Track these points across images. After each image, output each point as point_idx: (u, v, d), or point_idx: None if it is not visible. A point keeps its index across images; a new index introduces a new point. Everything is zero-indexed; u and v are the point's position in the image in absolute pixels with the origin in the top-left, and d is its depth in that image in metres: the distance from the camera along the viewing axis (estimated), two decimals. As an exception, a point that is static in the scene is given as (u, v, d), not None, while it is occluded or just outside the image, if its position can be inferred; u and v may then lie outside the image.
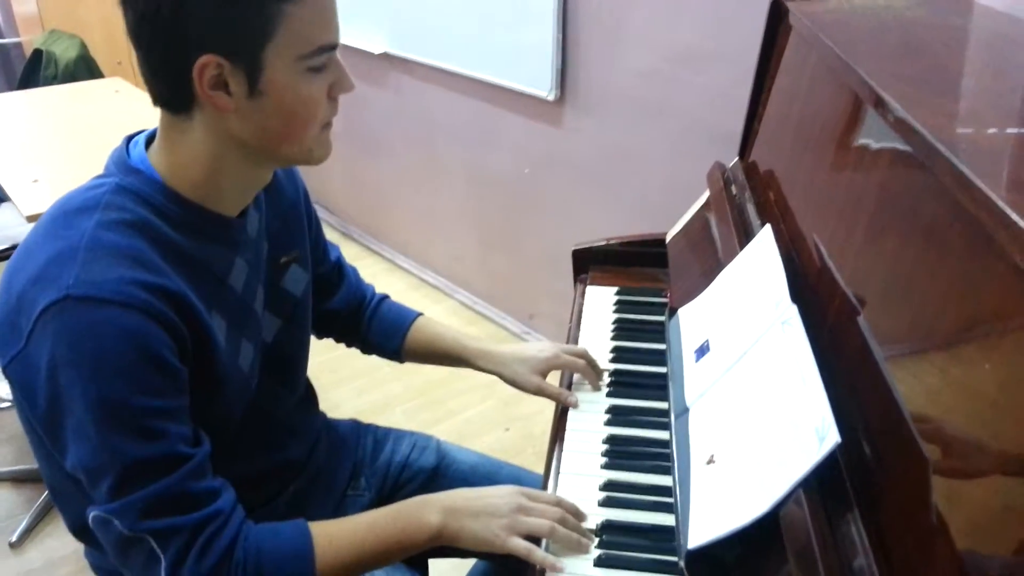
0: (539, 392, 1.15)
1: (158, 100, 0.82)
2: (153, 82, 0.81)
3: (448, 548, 1.22)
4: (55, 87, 2.86)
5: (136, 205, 0.82)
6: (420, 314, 1.26)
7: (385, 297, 1.28)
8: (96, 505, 0.79)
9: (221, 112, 0.80)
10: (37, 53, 3.06)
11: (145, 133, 0.89)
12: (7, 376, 0.80)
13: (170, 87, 0.80)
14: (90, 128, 2.38)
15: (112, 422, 0.75)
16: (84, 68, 2.99)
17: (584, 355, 1.19)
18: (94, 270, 0.75)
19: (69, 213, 0.81)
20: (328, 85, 0.84)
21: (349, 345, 1.28)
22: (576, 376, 1.21)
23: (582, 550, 0.91)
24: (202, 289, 0.84)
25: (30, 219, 1.86)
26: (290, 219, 1.04)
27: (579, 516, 0.95)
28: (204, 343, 0.84)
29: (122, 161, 0.85)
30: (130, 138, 0.89)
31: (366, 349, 1.27)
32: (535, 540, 0.91)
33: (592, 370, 1.18)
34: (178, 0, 0.74)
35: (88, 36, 3.16)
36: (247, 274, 0.93)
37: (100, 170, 0.88)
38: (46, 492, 2.07)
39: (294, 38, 0.78)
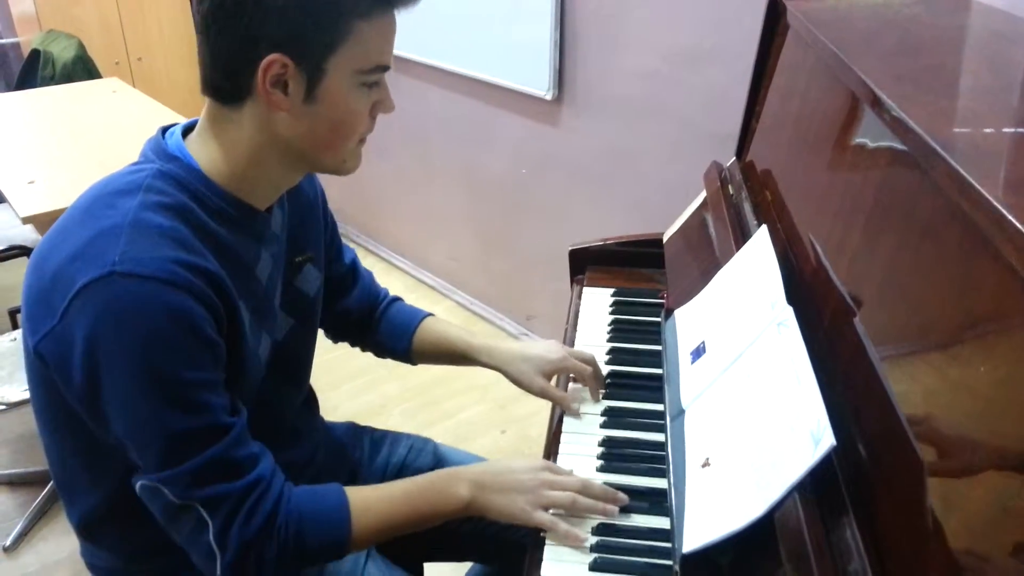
0: (542, 394, 1.14)
1: (210, 88, 0.84)
2: (212, 69, 0.82)
3: (445, 550, 1.23)
4: (52, 87, 2.86)
5: (176, 190, 0.84)
6: (429, 314, 1.26)
7: (397, 299, 1.28)
8: (144, 474, 0.82)
9: (274, 109, 0.82)
10: (35, 53, 3.06)
11: (181, 124, 0.91)
12: (38, 353, 0.81)
13: (229, 77, 0.82)
14: (88, 129, 2.38)
15: (159, 395, 0.78)
16: (82, 68, 2.99)
17: (592, 362, 1.17)
18: (139, 248, 0.77)
19: (110, 195, 0.82)
20: (372, 103, 0.88)
21: (364, 349, 1.28)
22: (571, 385, 1.19)
23: (608, 515, 0.95)
24: (234, 277, 0.86)
25: (26, 220, 1.85)
26: (307, 220, 1.05)
27: (608, 492, 0.97)
28: (235, 326, 0.86)
29: (160, 149, 0.87)
30: (165, 129, 0.91)
31: (378, 352, 1.27)
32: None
33: (594, 379, 1.16)
34: None
35: (86, 36, 3.15)
36: (271, 268, 0.95)
37: (97, 171, 0.89)
38: (41, 496, 2.06)
39: (358, 53, 0.82)
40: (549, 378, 1.15)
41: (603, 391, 1.18)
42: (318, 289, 1.08)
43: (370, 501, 0.92)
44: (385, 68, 0.86)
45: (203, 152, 0.87)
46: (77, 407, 0.82)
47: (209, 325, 0.80)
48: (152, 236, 0.79)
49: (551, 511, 0.93)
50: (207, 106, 0.86)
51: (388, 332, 1.24)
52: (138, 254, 0.77)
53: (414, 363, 1.25)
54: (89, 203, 0.83)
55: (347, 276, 1.22)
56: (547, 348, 1.16)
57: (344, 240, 1.21)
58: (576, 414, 1.13)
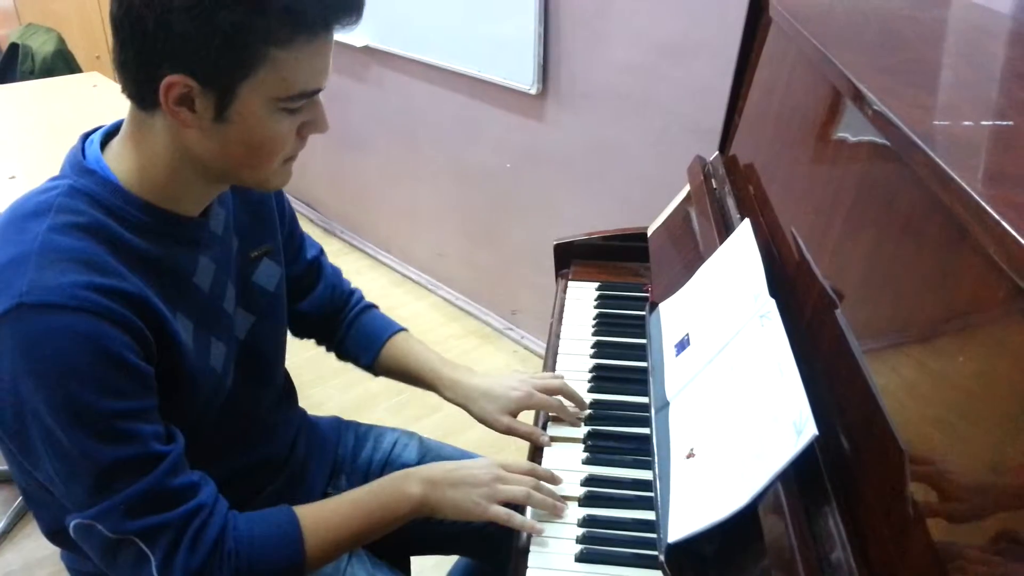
0: (509, 432, 1.10)
1: (124, 90, 0.80)
2: (121, 75, 0.78)
3: (430, 544, 1.23)
4: (32, 82, 2.83)
5: (90, 207, 0.79)
6: (401, 329, 1.22)
7: (370, 306, 1.25)
8: (76, 512, 0.78)
9: (181, 127, 0.78)
10: (13, 47, 3.02)
11: (100, 131, 0.87)
12: None
13: (136, 87, 0.78)
14: (68, 123, 2.35)
15: (82, 428, 0.74)
16: (62, 62, 2.96)
17: (561, 389, 1.12)
18: (47, 276, 0.73)
19: (20, 218, 0.78)
20: (300, 123, 0.82)
21: (328, 349, 1.25)
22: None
23: (557, 513, 0.95)
24: (164, 290, 0.83)
25: (6, 216, 1.84)
26: (261, 213, 1.02)
27: (554, 481, 0.99)
28: (168, 344, 0.82)
29: (76, 162, 0.83)
30: (86, 136, 0.86)
31: (340, 356, 1.24)
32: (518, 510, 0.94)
33: (566, 409, 1.12)
34: (165, 12, 0.71)
35: (65, 30, 3.12)
36: (214, 272, 0.92)
37: None
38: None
39: (274, 80, 0.76)
40: (515, 415, 1.11)
41: (585, 412, 1.14)
42: (279, 282, 1.04)
43: (321, 515, 0.89)
44: (311, 94, 0.79)
45: (123, 162, 0.82)
46: (10, 445, 0.80)
47: (130, 350, 0.76)
48: (61, 261, 0.74)
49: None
50: (128, 108, 0.82)
51: (355, 340, 1.21)
52: (45, 282, 0.73)
53: (376, 375, 1.22)
54: (2, 228, 0.79)
55: (308, 275, 1.18)
56: (510, 385, 1.12)
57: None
58: (547, 444, 1.09)
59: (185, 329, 0.86)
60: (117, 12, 0.74)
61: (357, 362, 1.22)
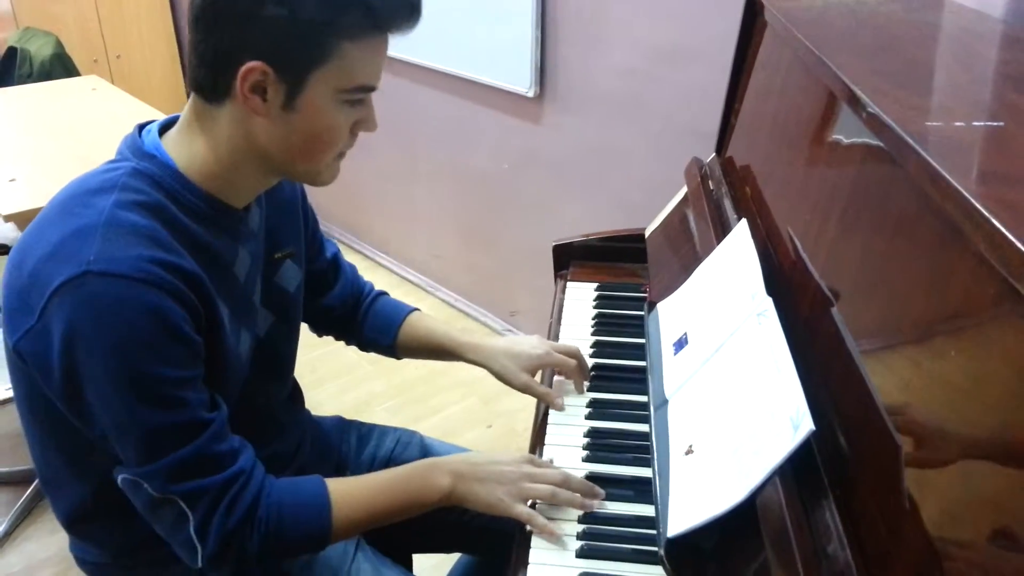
0: (526, 389, 1.15)
1: (194, 83, 0.84)
2: (197, 67, 0.82)
3: (432, 542, 1.24)
4: (30, 85, 2.83)
5: (152, 188, 0.84)
6: (415, 309, 1.27)
7: (382, 293, 1.29)
8: (125, 468, 0.83)
9: (251, 114, 0.82)
10: (11, 51, 3.02)
11: (158, 122, 0.91)
12: (17, 352, 0.81)
13: (211, 76, 0.82)
14: (67, 127, 2.36)
15: (136, 393, 0.78)
16: (60, 66, 2.96)
17: (576, 355, 1.18)
18: (114, 247, 0.77)
19: (86, 193, 0.82)
20: (354, 120, 0.87)
21: (348, 342, 1.28)
22: (556, 378, 1.20)
23: (587, 509, 0.96)
24: (211, 275, 0.86)
25: (7, 219, 1.84)
26: (286, 216, 1.06)
27: (587, 486, 0.98)
28: (213, 324, 0.86)
29: (136, 147, 0.87)
30: (142, 126, 0.90)
31: (362, 345, 1.27)
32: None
33: (578, 372, 1.17)
34: (255, 3, 0.76)
35: (64, 34, 3.12)
36: (249, 265, 0.96)
37: (77, 169, 0.89)
38: (26, 495, 2.05)
39: (342, 71, 0.81)
40: (533, 373, 1.16)
41: (587, 383, 1.19)
42: (298, 285, 1.08)
43: (351, 491, 0.93)
44: (370, 89, 0.86)
45: (181, 150, 0.87)
46: (59, 404, 0.83)
47: (186, 323, 0.81)
48: (127, 234, 0.79)
49: (533, 504, 0.95)
50: (191, 100, 0.86)
51: (373, 327, 1.24)
52: (113, 253, 0.77)
53: (399, 357, 1.26)
54: (64, 201, 0.83)
55: (329, 271, 1.22)
56: (531, 344, 1.17)
57: (327, 237, 1.22)
58: (560, 408, 1.14)
59: (224, 313, 0.89)
60: (202, 5, 0.79)
61: (377, 346, 1.26)
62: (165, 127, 0.90)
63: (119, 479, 0.84)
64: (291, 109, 0.82)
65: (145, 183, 0.84)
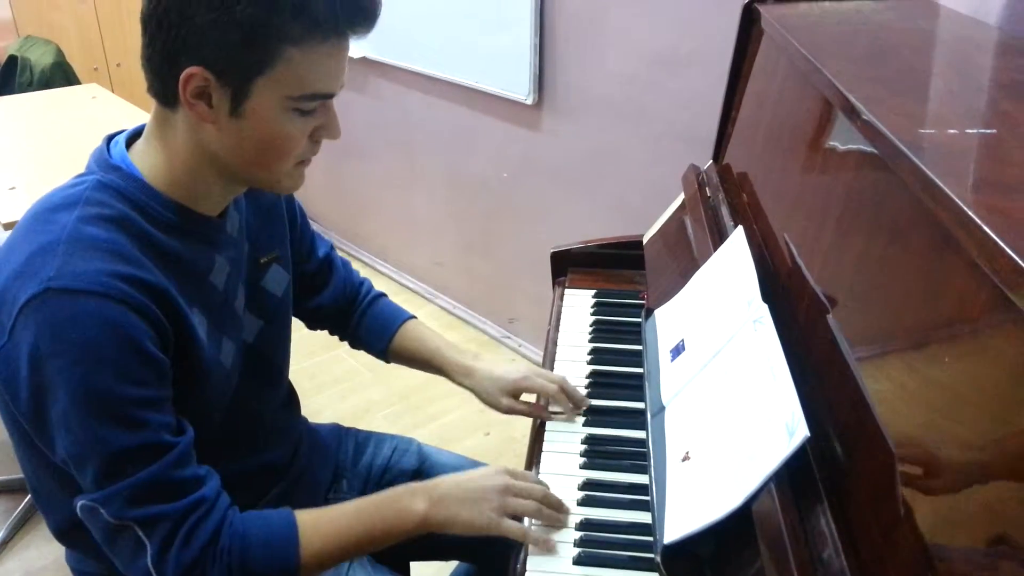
0: (510, 410, 1.15)
1: (149, 90, 0.83)
2: (147, 71, 0.82)
3: (430, 550, 1.24)
4: (31, 94, 2.84)
5: (116, 201, 0.82)
6: (412, 317, 1.26)
7: (381, 295, 1.29)
8: (83, 494, 0.81)
9: (200, 120, 0.81)
10: (12, 59, 3.03)
11: (126, 132, 0.90)
12: None
13: (160, 81, 0.81)
14: (67, 135, 2.36)
15: (95, 411, 0.76)
16: (60, 74, 2.97)
17: (560, 383, 1.15)
18: (74, 262, 0.76)
19: (49, 209, 0.82)
20: (313, 127, 0.84)
21: (341, 338, 1.28)
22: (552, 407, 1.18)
23: (563, 526, 0.95)
24: (183, 286, 0.85)
25: (7, 227, 1.85)
26: (270, 219, 1.04)
27: (560, 507, 0.98)
28: (185, 338, 0.84)
29: (103, 159, 0.86)
30: (110, 137, 0.89)
31: (354, 344, 1.27)
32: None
33: (563, 396, 1.15)
34: (185, 7, 0.75)
35: (64, 42, 3.13)
36: (228, 272, 0.94)
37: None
38: (23, 503, 2.05)
39: (288, 79, 0.79)
40: (516, 397, 1.15)
41: (581, 409, 1.16)
42: (286, 288, 1.07)
43: (320, 522, 0.90)
44: (324, 96, 0.82)
45: (147, 160, 0.85)
46: (25, 425, 0.82)
47: (150, 340, 0.79)
48: (88, 249, 0.78)
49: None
50: (153, 107, 0.85)
51: (369, 329, 1.24)
52: (73, 268, 0.76)
53: (388, 362, 1.26)
54: (31, 219, 0.82)
55: (321, 271, 1.21)
56: (511, 368, 1.17)
57: (318, 235, 1.22)
58: (549, 418, 1.13)
59: (200, 324, 0.88)
60: (147, 10, 0.78)
61: (369, 349, 1.25)
62: (133, 137, 0.89)
63: (78, 507, 0.81)
64: (238, 116, 0.80)
65: (109, 196, 0.82)
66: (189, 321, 0.85)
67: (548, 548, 0.92)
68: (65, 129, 2.42)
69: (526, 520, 0.95)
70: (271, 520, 0.88)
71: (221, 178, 0.87)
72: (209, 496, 0.84)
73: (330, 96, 0.83)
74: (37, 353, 0.75)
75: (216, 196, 0.90)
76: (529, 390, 1.16)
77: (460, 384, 1.19)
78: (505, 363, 1.19)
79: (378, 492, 0.95)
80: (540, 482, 0.98)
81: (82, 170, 0.88)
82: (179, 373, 0.84)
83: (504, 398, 1.14)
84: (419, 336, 1.23)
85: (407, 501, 0.92)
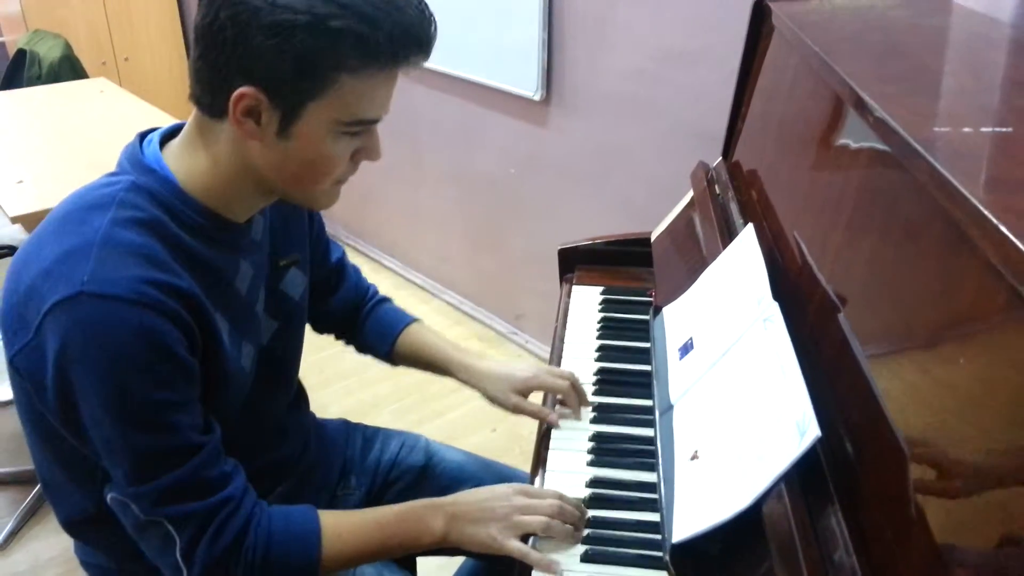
0: (517, 410, 1.13)
1: (194, 99, 0.83)
2: (195, 83, 0.81)
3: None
4: (39, 87, 2.84)
5: (150, 204, 0.82)
6: (415, 319, 1.26)
7: (385, 299, 1.28)
8: (114, 488, 0.82)
9: (245, 138, 0.81)
10: (21, 53, 3.04)
11: (159, 131, 0.89)
12: (14, 366, 0.81)
13: (208, 94, 0.81)
14: (75, 129, 2.37)
15: (127, 416, 0.77)
16: (68, 68, 2.97)
17: (569, 378, 1.15)
18: (108, 267, 0.76)
19: (83, 209, 0.81)
20: (354, 148, 0.85)
21: (347, 343, 1.28)
22: (558, 407, 1.18)
23: (575, 541, 0.93)
24: (210, 290, 0.85)
25: (15, 220, 1.85)
26: (292, 222, 1.05)
27: (580, 510, 0.96)
28: (211, 342, 0.85)
29: (136, 159, 0.85)
30: (143, 135, 0.89)
31: (360, 348, 1.27)
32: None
33: (573, 394, 1.14)
34: (246, 27, 0.74)
35: (72, 36, 3.14)
36: (252, 277, 0.95)
37: (85, 171, 0.88)
38: (31, 495, 2.06)
39: (339, 104, 0.79)
40: (524, 395, 1.14)
41: (589, 408, 1.15)
42: (303, 292, 1.07)
43: (342, 527, 0.91)
44: (372, 122, 0.83)
45: (182, 164, 0.85)
46: (53, 421, 0.83)
47: (180, 345, 0.79)
48: (122, 254, 0.78)
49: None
50: (194, 113, 0.85)
51: (372, 332, 1.24)
52: (107, 273, 0.76)
53: (394, 364, 1.26)
54: (63, 217, 0.82)
55: (334, 275, 1.22)
56: (520, 367, 1.17)
57: (332, 239, 1.22)
58: (556, 424, 1.12)
59: (224, 329, 0.88)
60: (201, 21, 0.78)
61: (375, 353, 1.26)
62: (166, 137, 0.89)
63: (108, 498, 0.83)
64: (285, 137, 0.80)
65: (144, 199, 0.82)
66: (216, 326, 0.85)
67: (551, 571, 0.90)
68: (73, 123, 2.42)
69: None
70: (296, 519, 0.90)
71: (258, 190, 0.88)
72: (236, 494, 0.85)
73: (377, 121, 0.84)
74: (65, 355, 0.76)
75: (249, 204, 0.90)
76: (540, 388, 1.15)
77: (466, 383, 1.19)
78: (512, 361, 1.18)
79: (399, 504, 0.95)
80: (561, 496, 0.95)
81: (96, 164, 0.88)
82: (203, 378, 0.85)
83: (513, 395, 1.14)
84: (423, 338, 1.23)
85: (427, 518, 0.93)
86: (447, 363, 1.20)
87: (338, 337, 1.29)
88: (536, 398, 1.17)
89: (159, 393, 0.78)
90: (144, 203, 0.82)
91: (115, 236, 0.78)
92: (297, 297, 1.06)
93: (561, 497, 0.96)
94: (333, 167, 0.84)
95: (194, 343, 0.82)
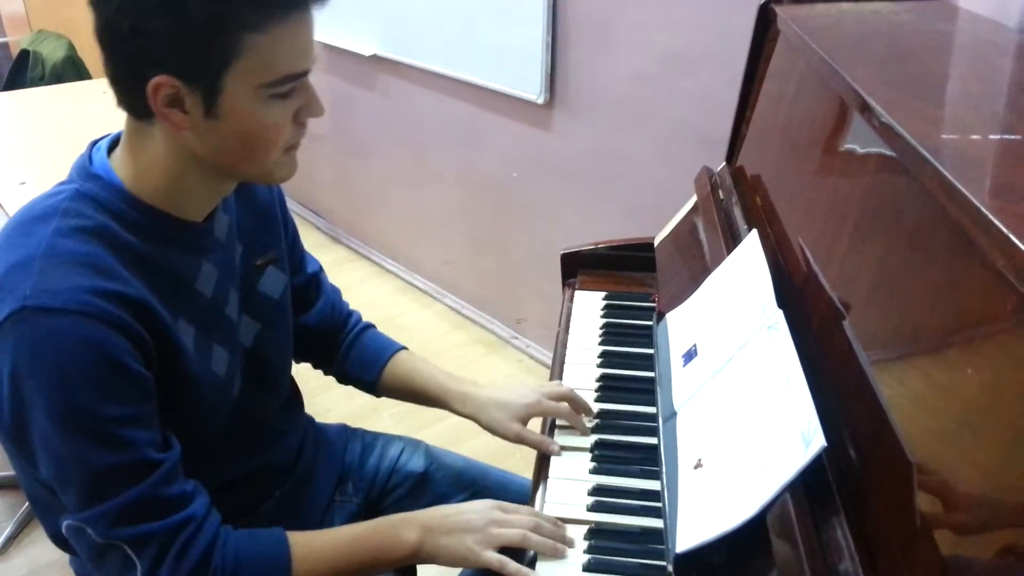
0: (519, 440, 1.09)
1: (120, 104, 0.81)
2: (113, 87, 0.79)
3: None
4: (42, 88, 2.85)
5: (95, 211, 0.80)
6: (403, 348, 1.22)
7: (369, 326, 1.24)
8: (68, 514, 0.79)
9: (176, 129, 0.79)
10: (24, 53, 3.05)
11: (107, 138, 0.88)
12: None
13: (127, 95, 0.79)
14: (78, 129, 2.37)
15: (78, 431, 0.75)
16: (71, 69, 2.98)
17: (569, 396, 1.12)
18: (51, 279, 0.74)
19: (27, 221, 0.80)
20: (294, 110, 0.82)
21: (326, 373, 1.24)
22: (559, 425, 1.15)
23: (559, 555, 0.91)
24: (166, 295, 0.83)
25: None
26: (265, 221, 1.02)
27: (558, 526, 0.95)
28: (170, 348, 0.83)
29: (83, 167, 0.84)
30: (94, 143, 0.87)
31: (342, 379, 1.23)
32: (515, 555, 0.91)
33: (576, 415, 1.11)
34: (136, 17, 0.72)
35: (76, 37, 3.14)
36: (217, 278, 0.92)
37: None
38: (30, 498, 2.05)
39: (256, 66, 0.76)
40: (524, 423, 1.10)
41: (593, 420, 1.13)
42: (284, 291, 1.05)
43: (313, 546, 0.89)
44: (297, 76, 0.79)
45: (126, 168, 0.83)
46: (9, 445, 0.80)
47: (130, 356, 0.77)
48: (66, 265, 0.75)
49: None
50: (125, 120, 0.82)
51: (356, 360, 1.20)
52: (49, 285, 0.74)
53: (378, 396, 1.22)
54: (11, 230, 0.80)
55: (309, 288, 1.18)
56: (520, 393, 1.12)
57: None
58: (557, 454, 1.08)
59: (187, 334, 0.86)
60: (98, 27, 0.76)
61: (359, 383, 1.21)
62: (115, 143, 0.86)
63: (63, 527, 0.80)
64: (215, 116, 0.77)
65: (88, 206, 0.80)
66: (173, 332, 0.83)
67: None
68: (76, 124, 2.43)
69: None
70: (264, 540, 0.87)
71: (207, 180, 0.85)
72: (198, 514, 0.82)
73: (303, 74, 0.80)
74: (16, 373, 0.74)
75: (201, 200, 0.88)
76: (542, 414, 1.12)
77: (461, 413, 1.14)
78: (509, 387, 1.14)
79: (372, 520, 0.94)
80: (536, 514, 0.94)
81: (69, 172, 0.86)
82: (167, 385, 0.82)
83: (514, 424, 1.09)
84: (414, 366, 1.19)
85: (400, 531, 0.91)
86: (442, 392, 1.15)
87: (316, 366, 1.24)
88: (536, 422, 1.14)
89: (109, 407, 0.75)
90: (89, 210, 0.80)
91: (58, 246, 0.76)
92: (277, 296, 1.03)
93: (536, 514, 0.94)
94: (276, 134, 0.81)
95: (147, 353, 0.79)
